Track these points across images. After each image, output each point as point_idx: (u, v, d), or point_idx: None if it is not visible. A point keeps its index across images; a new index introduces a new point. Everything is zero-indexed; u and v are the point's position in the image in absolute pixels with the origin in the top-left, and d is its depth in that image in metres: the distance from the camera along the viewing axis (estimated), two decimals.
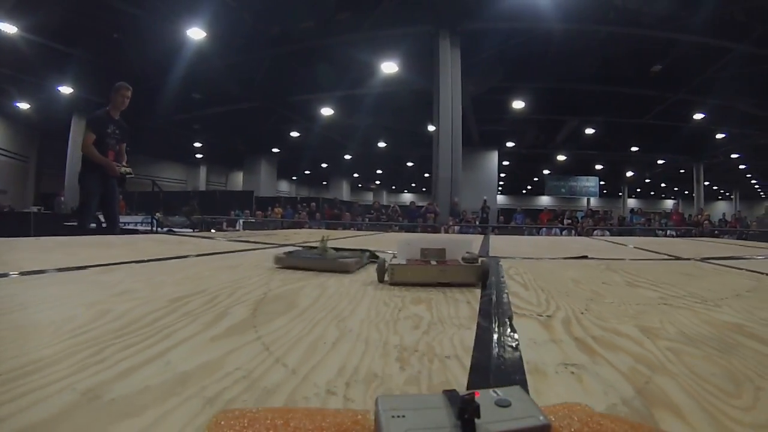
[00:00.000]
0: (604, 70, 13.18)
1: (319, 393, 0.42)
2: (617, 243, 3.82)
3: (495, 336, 0.65)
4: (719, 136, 20.07)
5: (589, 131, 19.65)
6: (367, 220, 16.21)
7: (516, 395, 0.30)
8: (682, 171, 27.83)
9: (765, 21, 10.64)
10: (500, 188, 28.78)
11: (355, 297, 0.93)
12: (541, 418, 0.28)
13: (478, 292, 1.00)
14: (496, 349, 0.59)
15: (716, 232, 16.00)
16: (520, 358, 0.55)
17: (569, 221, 17.33)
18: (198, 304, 0.81)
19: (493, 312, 0.80)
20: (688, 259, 2.12)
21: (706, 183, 28.61)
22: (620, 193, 34.38)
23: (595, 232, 14.49)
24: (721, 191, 36.71)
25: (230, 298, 0.88)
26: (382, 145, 24.27)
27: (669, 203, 37.21)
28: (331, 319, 0.73)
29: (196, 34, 12.07)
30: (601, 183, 29.36)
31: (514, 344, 0.61)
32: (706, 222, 17.84)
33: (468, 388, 0.44)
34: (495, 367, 0.53)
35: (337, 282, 1.13)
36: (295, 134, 22.10)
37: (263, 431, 0.28)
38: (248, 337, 0.61)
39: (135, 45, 12.45)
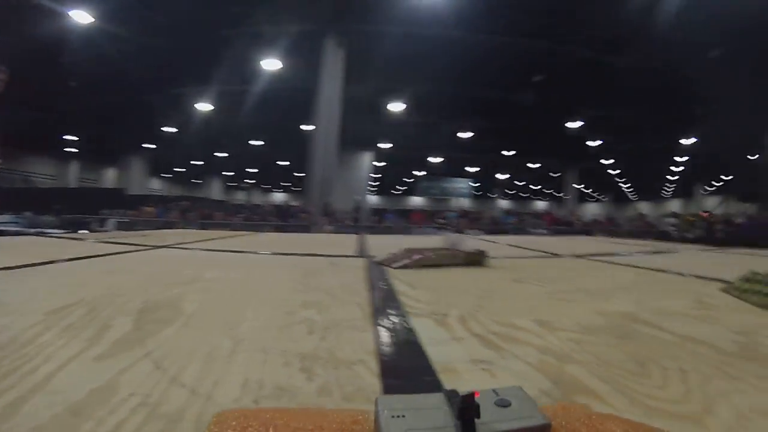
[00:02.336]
0: (486, 76, 13.78)
1: None
2: (491, 241, 3.95)
3: (395, 337, 0.63)
4: (591, 143, 21.77)
5: (466, 135, 20.33)
6: (239, 219, 15.80)
7: (516, 395, 0.30)
8: (555, 174, 29.54)
9: (645, 40, 11.81)
10: (373, 189, 29.17)
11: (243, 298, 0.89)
12: (541, 417, 0.28)
13: (366, 293, 0.97)
14: (400, 351, 0.57)
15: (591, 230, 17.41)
16: (426, 358, 0.54)
17: (442, 221, 18.09)
18: (78, 317, 0.70)
19: (386, 312, 0.78)
20: (568, 255, 2.24)
21: (578, 186, 30.90)
22: (493, 195, 35.84)
23: (469, 231, 15.23)
24: (592, 193, 39.65)
25: (111, 307, 0.78)
26: (257, 143, 23.69)
27: (541, 204, 39.94)
28: (221, 326, 0.67)
29: (80, 17, 10.91)
30: (475, 185, 30.09)
31: (416, 345, 0.59)
32: (577, 222, 19.50)
33: (384, 393, 0.43)
34: (404, 370, 0.51)
35: (214, 285, 1.08)
36: (169, 130, 20.95)
37: (263, 431, 0.28)
38: (137, 353, 0.53)
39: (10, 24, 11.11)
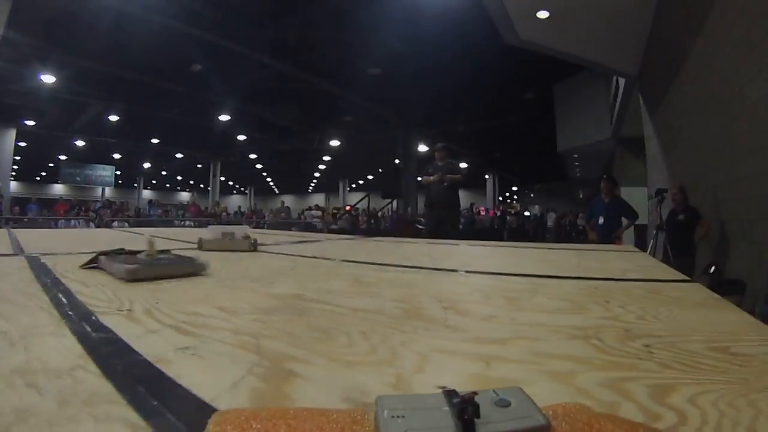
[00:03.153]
0: (142, 57, 12.85)
1: None
2: (138, 233, 3.86)
3: (97, 337, 0.61)
4: (240, 137, 22.43)
5: (113, 118, 18.63)
6: None
7: (516, 395, 0.31)
8: (199, 165, 29.24)
9: (303, 48, 12.70)
10: (13, 174, 24.42)
11: None
12: (541, 418, 0.28)
13: (44, 296, 0.88)
14: (110, 350, 0.55)
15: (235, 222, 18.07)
16: (137, 352, 0.54)
17: (93, 213, 16.65)
18: None
19: (75, 314, 0.73)
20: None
21: (223, 178, 31.37)
22: (135, 184, 33.87)
23: (115, 223, 14.62)
24: (237, 186, 40.78)
25: None
26: None
27: (185, 195, 39.19)
28: None
29: None
30: (117, 172, 28.23)
31: (121, 341, 0.59)
32: (224, 213, 20.09)
33: (133, 402, 0.41)
34: (122, 366, 0.50)
35: None
36: None
37: (263, 431, 0.28)
38: None
39: None
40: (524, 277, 1.26)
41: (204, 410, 0.38)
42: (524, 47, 7.92)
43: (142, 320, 0.70)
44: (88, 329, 0.64)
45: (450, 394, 0.30)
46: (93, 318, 0.71)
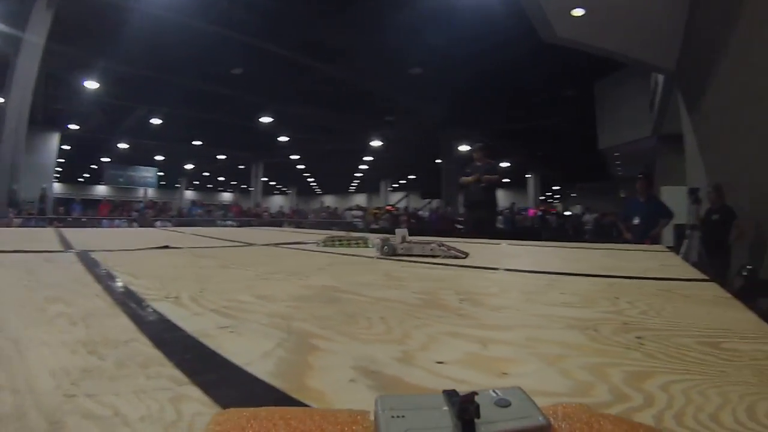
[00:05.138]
0: (184, 62, 13.19)
1: None
2: (181, 232, 4.01)
3: (148, 318, 0.69)
4: (282, 138, 22.65)
5: (156, 121, 19.10)
6: None
7: (516, 395, 0.31)
8: (242, 166, 29.53)
9: (345, 50, 12.81)
10: (57, 176, 25.37)
11: None
12: (541, 418, 0.28)
13: (98, 286, 0.98)
14: (159, 327, 0.64)
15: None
16: (182, 329, 0.62)
17: (136, 212, 17.14)
18: None
19: (128, 300, 0.82)
20: (264, 245, 2.41)
21: (265, 179, 31.68)
22: (178, 185, 34.26)
23: (158, 222, 14.63)
24: (279, 186, 40.90)
25: None
26: None
27: (227, 196, 39.44)
28: None
29: None
30: (160, 173, 28.96)
31: (168, 321, 0.67)
32: (265, 213, 20.38)
33: (179, 365, 0.48)
34: (171, 339, 0.58)
35: None
36: None
37: (263, 431, 0.28)
38: None
39: None
40: (544, 274, 1.32)
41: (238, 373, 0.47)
42: (562, 44, 7.82)
43: (189, 305, 0.78)
44: (141, 313, 0.73)
45: (450, 394, 0.30)
46: (144, 303, 0.80)
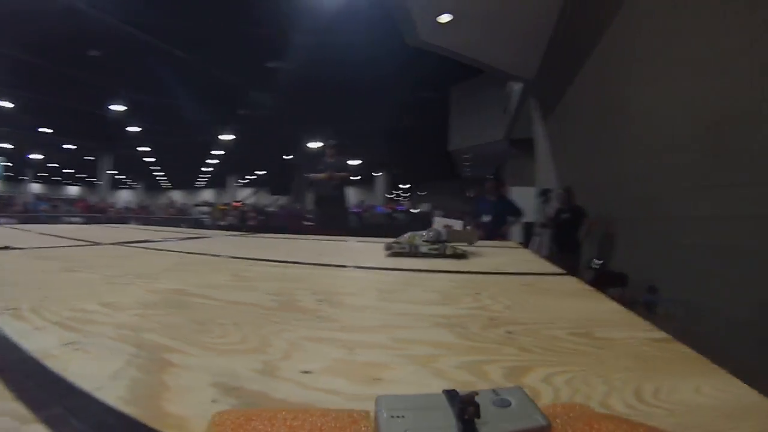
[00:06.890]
0: (40, 40, 11.74)
1: None
2: (25, 230, 3.55)
3: None
4: (133, 129, 21.10)
5: (7, 105, 16.85)
6: None
7: (516, 395, 0.31)
8: (91, 158, 27.49)
9: (205, 39, 12.13)
10: None
11: None
12: (541, 418, 0.28)
13: None
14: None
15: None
16: (24, 350, 0.53)
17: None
18: None
19: None
20: (109, 243, 2.21)
21: (114, 172, 29.61)
22: (24, 177, 31.15)
23: (1, 220, 13.21)
24: (126, 181, 38.36)
25: None
26: None
27: (74, 189, 36.75)
28: None
29: None
30: (7, 164, 25.88)
31: (7, 339, 0.57)
32: (110, 209, 18.96)
33: (21, 397, 0.40)
34: (12, 362, 0.49)
35: None
36: None
37: (263, 431, 0.28)
38: None
39: None
40: (401, 271, 1.32)
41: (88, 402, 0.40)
42: (426, 49, 8.06)
43: (29, 318, 0.68)
44: None
45: (450, 394, 0.30)
46: None
